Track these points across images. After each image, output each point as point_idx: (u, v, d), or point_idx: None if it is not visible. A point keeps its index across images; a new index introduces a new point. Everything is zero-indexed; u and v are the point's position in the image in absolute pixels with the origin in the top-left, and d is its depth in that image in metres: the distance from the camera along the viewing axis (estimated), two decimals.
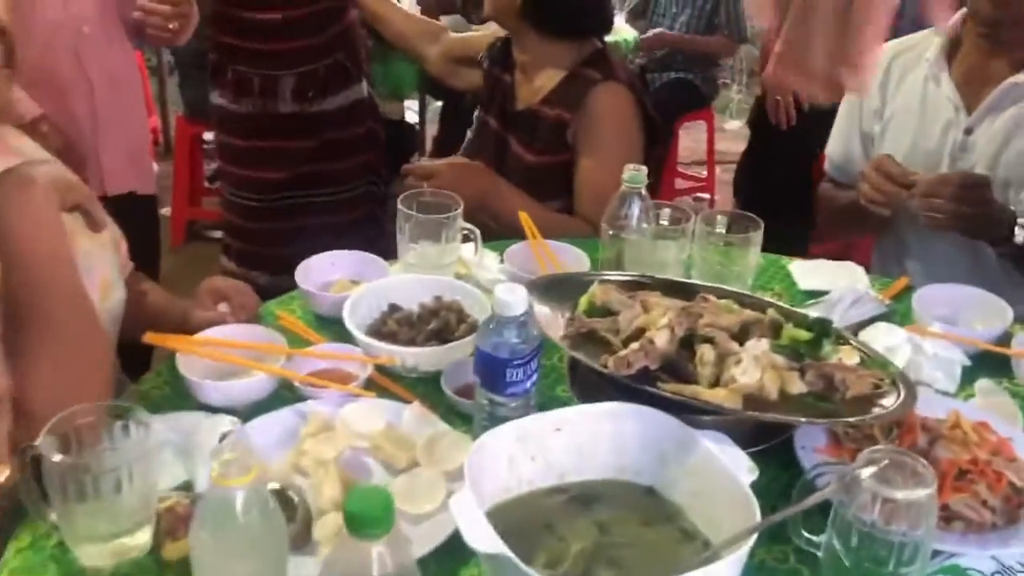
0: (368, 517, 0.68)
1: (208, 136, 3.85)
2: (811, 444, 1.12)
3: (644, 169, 1.37)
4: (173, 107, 4.26)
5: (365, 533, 0.68)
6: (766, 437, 1.11)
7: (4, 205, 1.04)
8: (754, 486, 0.94)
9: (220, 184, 2.29)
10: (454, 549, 0.96)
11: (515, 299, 1.04)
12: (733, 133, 5.04)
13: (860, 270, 1.57)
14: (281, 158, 2.09)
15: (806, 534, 1.01)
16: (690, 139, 4.45)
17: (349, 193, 2.16)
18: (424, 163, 1.84)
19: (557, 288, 1.25)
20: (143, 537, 0.97)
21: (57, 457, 0.91)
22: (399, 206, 1.45)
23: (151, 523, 0.98)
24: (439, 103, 4.12)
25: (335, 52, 2.09)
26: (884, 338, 1.31)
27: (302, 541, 0.97)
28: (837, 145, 1.89)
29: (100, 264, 1.24)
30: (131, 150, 2.03)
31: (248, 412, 1.16)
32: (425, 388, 1.24)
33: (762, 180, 3.09)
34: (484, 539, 0.86)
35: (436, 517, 1.03)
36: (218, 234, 2.46)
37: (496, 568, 0.91)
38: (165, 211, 3.43)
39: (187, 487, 1.04)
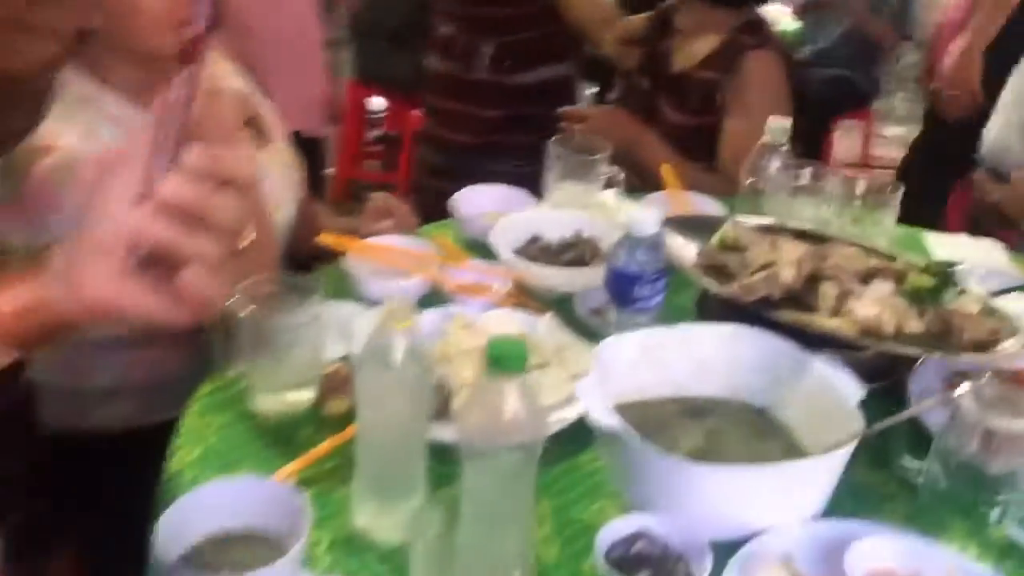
0: (505, 355, 0.79)
1: (372, 104, 4.12)
2: (924, 386, 1.16)
3: (788, 122, 1.43)
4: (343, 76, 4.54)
5: (501, 369, 0.80)
6: (878, 376, 1.16)
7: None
8: None
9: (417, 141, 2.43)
10: (577, 435, 1.06)
11: (648, 219, 1.14)
12: (892, 139, 4.91)
13: (999, 245, 1.58)
14: (472, 123, 2.19)
15: (907, 461, 1.06)
16: (847, 140, 4.37)
17: (529, 168, 2.28)
18: (578, 108, 1.93)
19: (692, 225, 1.34)
20: (308, 394, 1.13)
21: (246, 312, 1.08)
22: (550, 147, 1.56)
23: (316, 383, 1.13)
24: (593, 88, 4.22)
25: (539, 26, 2.14)
26: (1015, 304, 1.32)
27: (441, 413, 1.10)
28: (997, 130, 1.87)
29: (267, 177, 1.41)
30: (304, 93, 2.22)
31: None
32: (559, 308, 1.35)
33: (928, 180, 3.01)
34: (606, 417, 0.97)
35: (560, 410, 1.13)
36: None
37: (613, 448, 1.01)
38: (329, 171, 3.68)
39: (346, 360, 1.19)
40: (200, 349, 1.31)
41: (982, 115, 2.17)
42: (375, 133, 4.32)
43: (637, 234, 1.13)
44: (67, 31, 0.90)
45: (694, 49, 1.93)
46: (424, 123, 2.38)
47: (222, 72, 1.44)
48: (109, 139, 1.20)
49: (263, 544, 0.90)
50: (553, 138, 1.58)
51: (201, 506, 0.90)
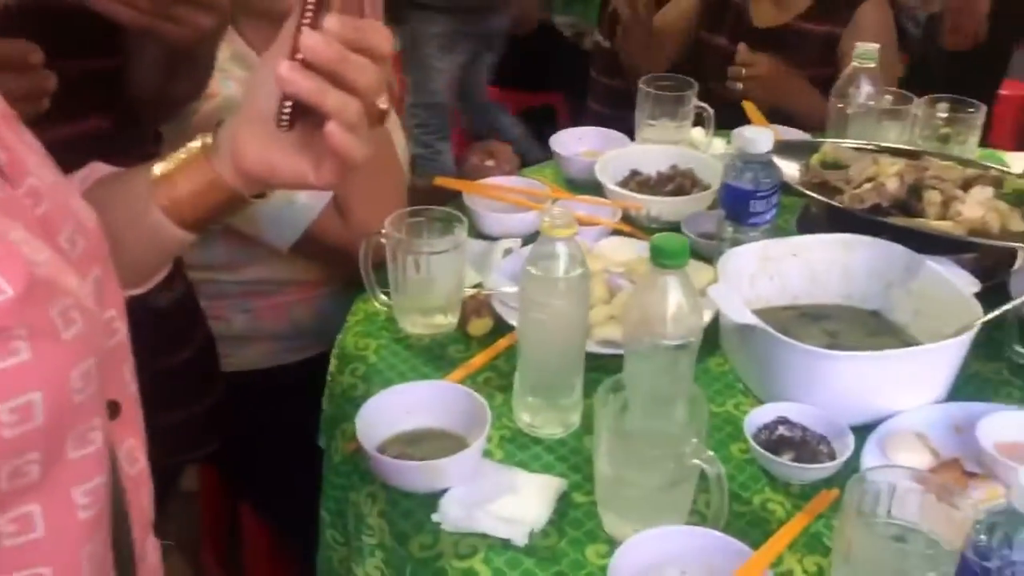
0: (669, 249, 0.87)
1: None
2: None
3: (875, 46, 1.50)
4: None
5: (665, 263, 0.88)
6: (981, 276, 1.23)
7: None
8: None
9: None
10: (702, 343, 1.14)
11: (761, 138, 1.21)
12: None
13: None
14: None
15: (1017, 349, 1.14)
16: None
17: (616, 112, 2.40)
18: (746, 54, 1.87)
19: (791, 148, 1.41)
20: (452, 317, 1.22)
21: (395, 239, 1.17)
22: (640, 85, 1.64)
23: (458, 307, 1.22)
24: None
25: None
26: None
27: None
28: None
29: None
30: None
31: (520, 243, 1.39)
32: None
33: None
34: (743, 315, 1.05)
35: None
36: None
37: (746, 347, 1.10)
38: None
39: (479, 287, 1.28)
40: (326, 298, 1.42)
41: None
42: None
43: (751, 151, 1.21)
44: (225, 3, 0.99)
45: (782, 3, 1.97)
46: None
47: None
48: None
49: (447, 439, 0.99)
50: (644, 77, 1.65)
51: (384, 407, 1.00)
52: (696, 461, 0.85)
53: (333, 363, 1.21)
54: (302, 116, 0.63)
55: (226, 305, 1.51)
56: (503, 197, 1.44)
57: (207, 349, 1.38)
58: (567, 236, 0.96)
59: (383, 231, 1.17)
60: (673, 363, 0.92)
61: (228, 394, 1.42)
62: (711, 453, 0.85)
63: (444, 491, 0.94)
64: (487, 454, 1.00)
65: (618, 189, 1.47)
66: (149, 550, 0.67)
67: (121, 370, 0.64)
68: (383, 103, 0.64)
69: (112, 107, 1.09)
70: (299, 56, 0.61)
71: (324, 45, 0.60)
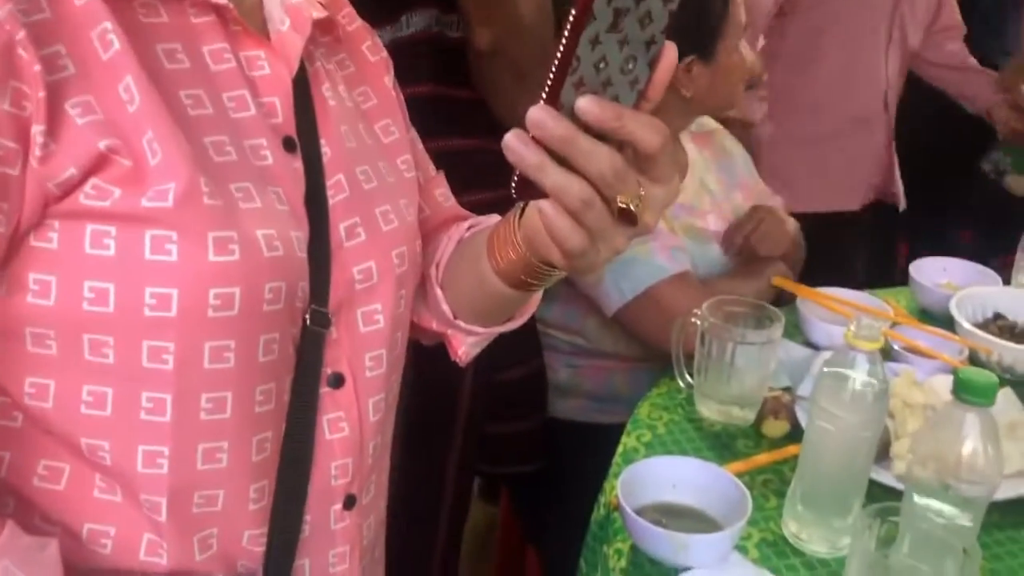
0: (976, 383, 0.81)
1: None
2: None
3: None
4: None
5: (969, 396, 0.82)
6: None
7: None
8: None
9: None
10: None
11: None
12: None
13: None
14: None
15: None
16: None
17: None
18: None
19: None
20: (750, 413, 1.21)
21: (709, 322, 1.19)
22: None
23: (758, 404, 1.21)
24: None
25: None
26: None
27: (881, 455, 1.12)
28: None
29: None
30: None
31: None
32: (1015, 389, 1.29)
33: None
34: None
35: (1011, 482, 1.09)
36: None
37: None
38: None
39: (788, 391, 1.26)
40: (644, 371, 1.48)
41: None
42: None
43: None
44: None
45: None
46: None
47: None
48: None
49: (704, 521, 1.00)
50: None
51: (653, 473, 1.03)
52: None
53: (628, 426, 1.26)
54: (533, 188, 0.58)
55: (555, 357, 1.63)
56: (839, 309, 1.40)
57: (539, 374, 1.50)
58: (869, 349, 0.93)
59: (697, 313, 1.21)
60: (957, 509, 0.85)
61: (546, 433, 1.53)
62: None
63: (687, 569, 0.94)
64: (742, 550, 0.99)
65: (972, 328, 1.36)
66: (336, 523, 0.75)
67: (361, 353, 0.74)
68: (624, 202, 0.57)
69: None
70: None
71: (550, 122, 0.55)
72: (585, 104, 0.55)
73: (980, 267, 1.57)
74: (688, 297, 1.36)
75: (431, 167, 0.92)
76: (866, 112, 2.15)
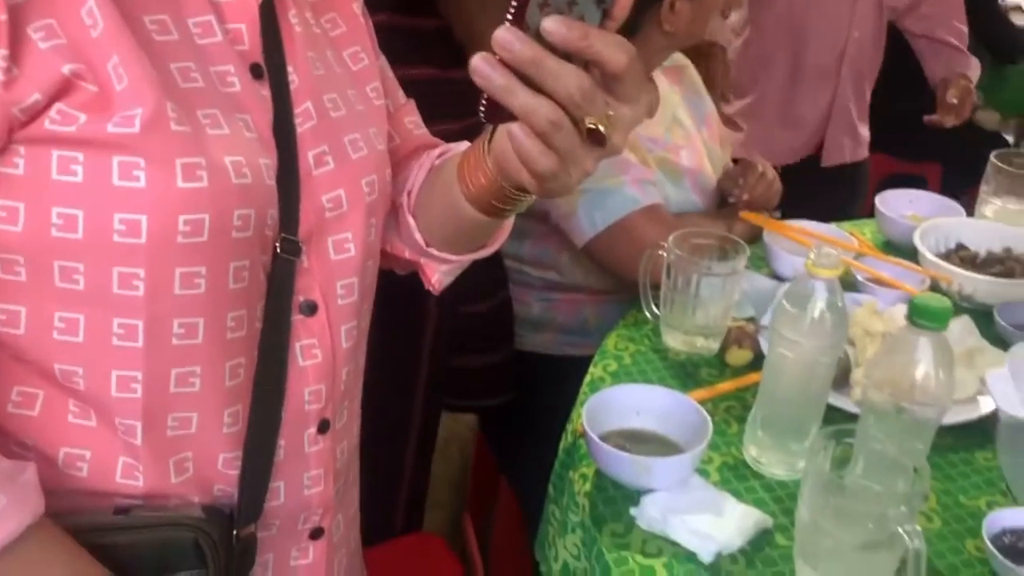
0: (929, 308, 0.84)
1: None
2: None
3: None
4: None
5: (921, 323, 0.84)
6: None
7: None
8: None
9: None
10: (975, 435, 1.07)
11: None
12: None
13: None
14: None
15: None
16: None
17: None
18: None
19: None
20: (715, 343, 1.24)
21: (675, 255, 1.21)
22: (991, 159, 1.52)
23: (722, 335, 1.24)
24: None
25: None
26: None
27: (839, 383, 1.15)
28: None
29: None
30: None
31: None
32: (974, 318, 1.32)
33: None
34: (1014, 405, 0.97)
35: (963, 406, 1.13)
36: None
37: (1017, 447, 1.01)
38: None
39: (752, 320, 1.29)
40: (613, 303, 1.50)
41: None
42: None
43: None
44: None
45: None
46: None
47: None
48: None
49: (666, 445, 1.03)
50: (996, 152, 1.54)
51: (618, 401, 1.06)
52: (898, 529, 0.81)
53: (595, 357, 1.28)
54: (501, 112, 0.58)
55: (528, 292, 1.64)
56: (804, 241, 1.42)
57: (505, 306, 1.52)
58: (828, 277, 0.95)
59: (664, 245, 1.23)
60: (909, 430, 0.88)
61: (516, 365, 1.55)
62: (917, 527, 0.81)
63: (649, 491, 0.98)
64: (703, 474, 1.02)
65: (934, 258, 1.39)
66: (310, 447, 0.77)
67: (332, 281, 0.75)
68: (592, 123, 0.58)
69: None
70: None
71: (516, 44, 0.55)
72: (551, 24, 0.54)
73: (946, 200, 1.59)
74: (658, 229, 1.37)
75: (401, 95, 0.92)
76: (816, 67, 2.13)
